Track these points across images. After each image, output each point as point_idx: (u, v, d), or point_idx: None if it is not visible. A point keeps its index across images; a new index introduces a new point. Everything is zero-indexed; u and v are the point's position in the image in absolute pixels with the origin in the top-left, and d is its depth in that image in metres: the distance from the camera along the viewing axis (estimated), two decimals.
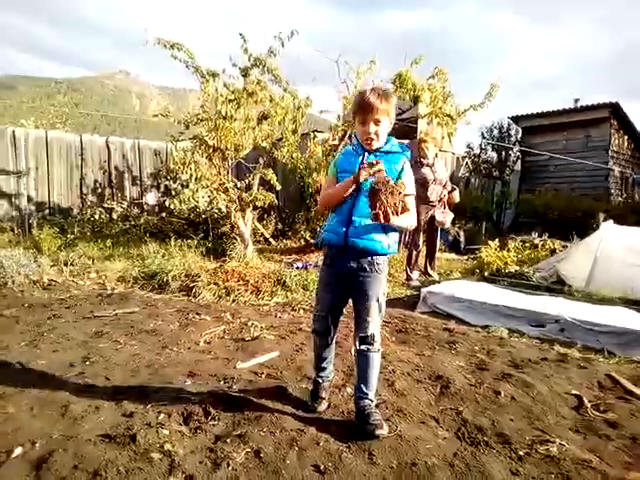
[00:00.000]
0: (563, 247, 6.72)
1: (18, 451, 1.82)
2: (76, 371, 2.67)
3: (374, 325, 2.11)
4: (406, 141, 9.26)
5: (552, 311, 3.82)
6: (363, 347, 2.09)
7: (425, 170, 5.80)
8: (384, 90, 2.10)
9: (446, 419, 2.22)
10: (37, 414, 2.14)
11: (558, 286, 5.18)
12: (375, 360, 2.12)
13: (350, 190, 2.04)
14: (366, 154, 2.10)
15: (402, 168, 2.10)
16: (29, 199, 7.60)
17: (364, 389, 2.12)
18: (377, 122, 2.04)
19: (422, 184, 5.82)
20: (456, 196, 6.04)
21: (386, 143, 2.12)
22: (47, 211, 7.75)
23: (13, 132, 7.47)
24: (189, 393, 2.39)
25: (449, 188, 6.00)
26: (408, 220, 2.06)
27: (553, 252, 6.57)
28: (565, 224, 10.51)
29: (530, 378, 2.72)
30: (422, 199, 5.84)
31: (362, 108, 2.05)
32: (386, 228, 2.03)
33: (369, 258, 2.07)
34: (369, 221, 1.97)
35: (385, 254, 2.10)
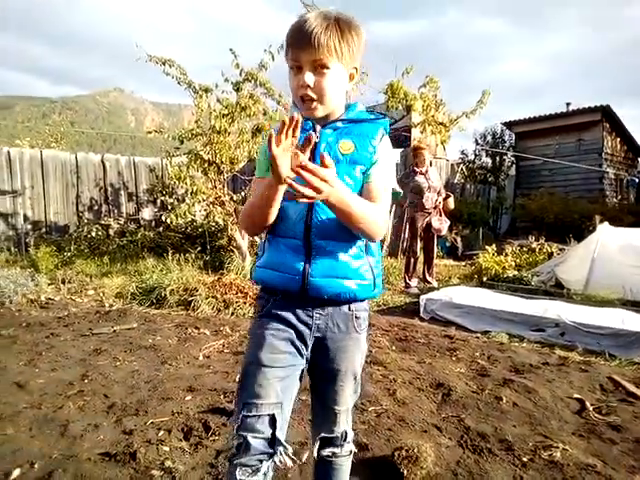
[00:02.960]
0: (560, 250, 6.74)
1: (17, 473, 1.80)
2: (75, 389, 2.65)
3: (347, 417, 1.33)
4: (399, 150, 9.33)
5: (552, 315, 3.81)
6: (327, 451, 1.32)
7: (419, 178, 5.85)
8: (340, 16, 1.14)
9: (448, 427, 2.21)
10: (36, 434, 2.12)
11: (557, 289, 5.18)
12: (345, 469, 1.38)
13: (280, 191, 1.09)
14: (318, 128, 1.19)
15: (381, 146, 1.21)
16: (25, 218, 7.59)
17: None
18: (319, 67, 1.12)
19: (417, 192, 5.88)
20: (451, 203, 6.10)
21: (348, 110, 1.25)
22: (44, 229, 7.74)
23: (8, 152, 7.48)
24: (189, 408, 2.38)
25: (444, 195, 6.04)
26: (370, 209, 1.14)
27: (550, 256, 6.57)
28: (561, 227, 10.55)
29: (532, 383, 2.71)
30: (418, 207, 5.89)
31: (293, 40, 1.14)
32: (368, 247, 1.24)
33: (345, 308, 1.24)
34: (345, 243, 1.20)
35: (370, 298, 1.28)
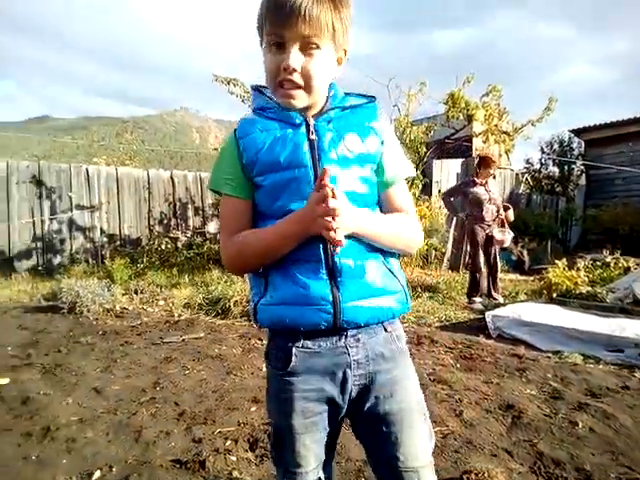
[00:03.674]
0: (638, 265, 6.28)
1: (97, 474, 1.92)
2: (147, 396, 2.78)
3: (433, 476, 1.03)
4: (460, 160, 9.11)
5: (630, 334, 3.56)
6: None
7: (479, 189, 5.69)
8: None
9: (520, 452, 2.11)
10: (113, 439, 2.24)
11: (635, 307, 4.83)
12: None
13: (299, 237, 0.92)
14: (312, 121, 0.96)
15: (387, 132, 1.03)
16: (102, 231, 8.13)
17: None
18: (308, 46, 0.91)
19: (477, 204, 5.71)
20: (511, 215, 5.89)
21: (334, 97, 1.01)
22: (118, 242, 8.24)
23: (87, 170, 8.08)
24: (254, 419, 2.43)
25: (502, 207, 5.85)
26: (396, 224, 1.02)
27: (627, 270, 6.14)
28: (638, 240, 9.85)
29: (610, 408, 2.53)
30: (477, 219, 5.72)
31: (276, 11, 0.89)
32: (384, 252, 1.01)
33: (381, 331, 1.02)
34: (369, 259, 0.98)
35: (407, 311, 1.04)
